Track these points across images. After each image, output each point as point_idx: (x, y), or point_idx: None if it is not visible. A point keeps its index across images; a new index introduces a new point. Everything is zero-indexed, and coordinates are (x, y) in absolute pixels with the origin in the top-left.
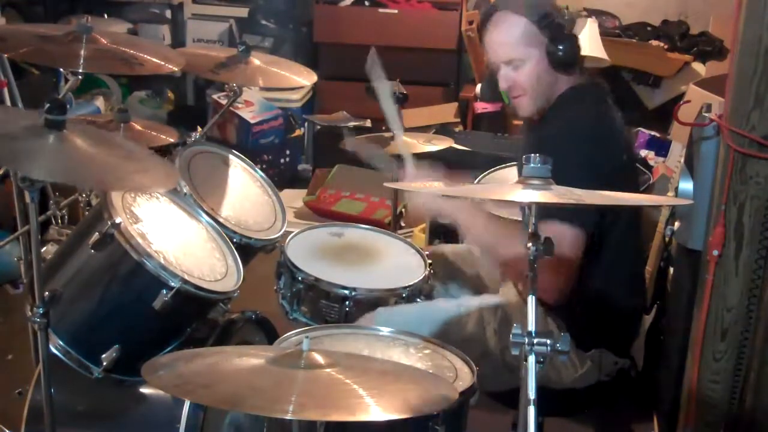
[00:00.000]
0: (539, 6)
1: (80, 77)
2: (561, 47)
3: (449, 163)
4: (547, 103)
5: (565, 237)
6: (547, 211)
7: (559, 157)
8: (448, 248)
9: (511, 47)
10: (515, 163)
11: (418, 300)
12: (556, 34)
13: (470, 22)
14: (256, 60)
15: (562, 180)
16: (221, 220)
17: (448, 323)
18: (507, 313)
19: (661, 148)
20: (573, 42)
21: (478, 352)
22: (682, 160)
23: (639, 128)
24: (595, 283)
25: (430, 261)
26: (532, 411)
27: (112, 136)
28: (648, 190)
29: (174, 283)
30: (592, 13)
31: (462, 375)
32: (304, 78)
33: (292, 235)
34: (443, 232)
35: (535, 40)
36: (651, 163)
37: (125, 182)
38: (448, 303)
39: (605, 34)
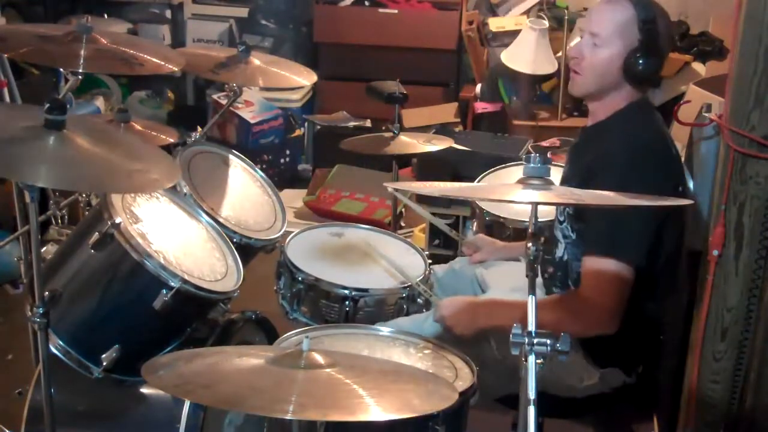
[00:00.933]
0: (649, 7)
1: (80, 77)
2: (643, 60)
3: (449, 163)
4: (599, 101)
5: (621, 281)
6: (592, 241)
7: (623, 174)
8: (438, 269)
9: (605, 24)
10: (515, 163)
11: (419, 300)
12: (648, 44)
13: (470, 22)
14: (256, 60)
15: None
16: (221, 220)
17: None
18: None
19: None
20: (657, 62)
21: (479, 361)
22: (682, 160)
23: None
24: (644, 307)
25: (430, 261)
26: (532, 411)
27: (112, 131)
28: None
29: (174, 283)
30: None
31: (462, 375)
32: (304, 78)
33: (292, 235)
34: (443, 232)
35: (628, 35)
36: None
37: (127, 184)
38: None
39: None
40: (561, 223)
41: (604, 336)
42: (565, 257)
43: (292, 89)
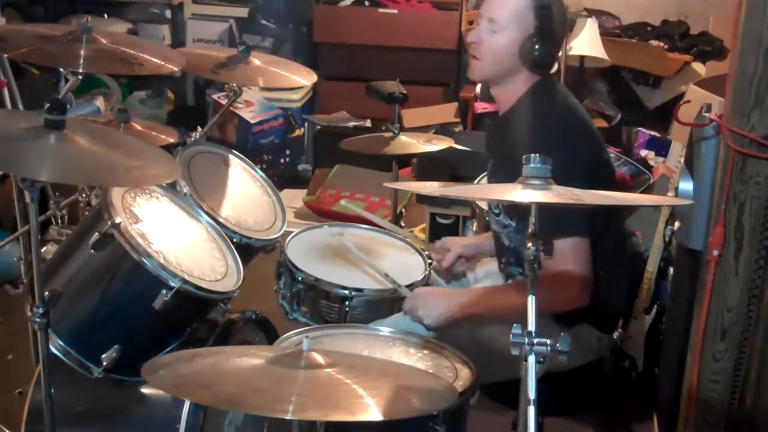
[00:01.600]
0: None
1: (80, 77)
2: (538, 46)
3: (449, 163)
4: (500, 86)
5: (580, 252)
6: (552, 226)
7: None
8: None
9: (503, 10)
10: None
11: None
12: (543, 30)
13: (470, 22)
14: (256, 60)
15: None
16: (221, 220)
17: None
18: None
19: (661, 148)
20: (552, 46)
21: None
22: (682, 160)
23: (639, 128)
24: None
25: (430, 261)
26: (532, 411)
27: (112, 132)
28: (648, 190)
29: (174, 283)
30: (592, 13)
31: (462, 375)
32: (304, 78)
33: (292, 235)
34: (443, 232)
35: (524, 21)
36: (651, 163)
37: (126, 178)
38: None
39: (605, 34)
40: (497, 215)
41: None
42: (512, 245)
43: (292, 89)
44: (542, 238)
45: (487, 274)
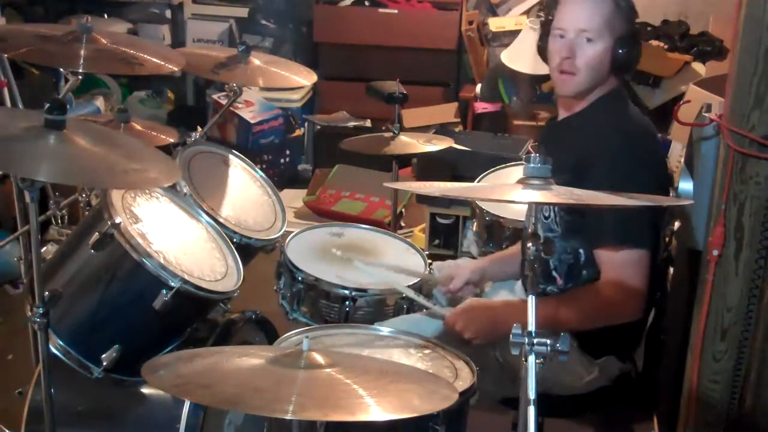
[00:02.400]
0: None
1: (80, 77)
2: (629, 49)
3: (449, 163)
4: (585, 96)
5: (642, 264)
6: (618, 235)
7: (607, 165)
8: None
9: (594, 18)
10: (515, 163)
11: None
12: (630, 32)
13: (470, 22)
14: (256, 60)
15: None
16: (221, 220)
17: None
18: None
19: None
20: (639, 48)
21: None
22: (682, 160)
23: None
24: None
25: (430, 261)
26: (532, 411)
27: (112, 133)
28: None
29: (174, 283)
30: None
31: (462, 375)
32: (304, 78)
33: (292, 235)
34: (443, 232)
35: (615, 26)
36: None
37: (125, 180)
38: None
39: None
40: (546, 218)
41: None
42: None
43: (292, 89)
44: (545, 240)
45: (492, 288)
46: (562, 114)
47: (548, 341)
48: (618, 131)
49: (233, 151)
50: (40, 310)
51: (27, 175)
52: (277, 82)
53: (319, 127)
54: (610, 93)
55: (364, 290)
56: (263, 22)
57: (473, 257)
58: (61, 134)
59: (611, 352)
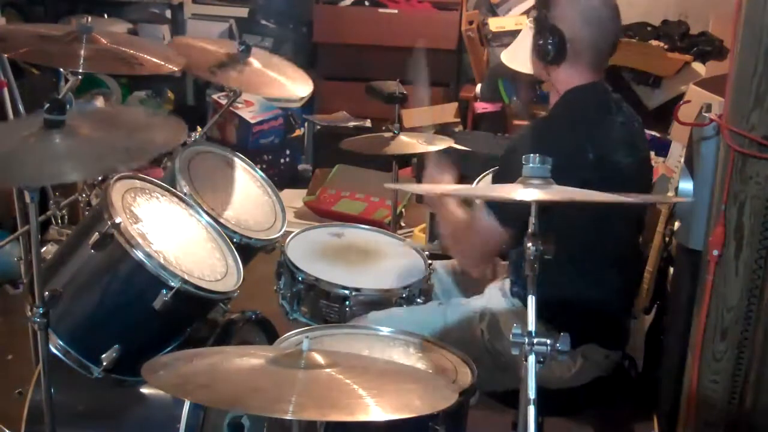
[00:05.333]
0: None
1: (80, 77)
2: (543, 38)
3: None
4: (557, 91)
5: (494, 232)
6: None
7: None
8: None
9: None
10: None
11: (418, 301)
12: (541, 23)
13: (470, 22)
14: (255, 61)
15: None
16: (221, 220)
17: (435, 327)
18: (494, 315)
19: (661, 148)
20: (558, 35)
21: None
22: (682, 160)
23: None
24: (575, 281)
25: (430, 262)
26: (532, 411)
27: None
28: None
29: (174, 283)
30: None
31: (462, 375)
32: (300, 87)
33: (292, 235)
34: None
35: (538, 16)
36: (651, 163)
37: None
38: (433, 307)
39: None
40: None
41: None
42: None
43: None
44: (542, 238)
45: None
46: None
47: (548, 341)
48: (536, 124)
49: (233, 151)
50: (40, 310)
51: (31, 183)
52: (274, 92)
53: (319, 127)
54: (574, 89)
55: (364, 290)
56: (263, 22)
57: None
58: (61, 130)
59: (591, 340)
